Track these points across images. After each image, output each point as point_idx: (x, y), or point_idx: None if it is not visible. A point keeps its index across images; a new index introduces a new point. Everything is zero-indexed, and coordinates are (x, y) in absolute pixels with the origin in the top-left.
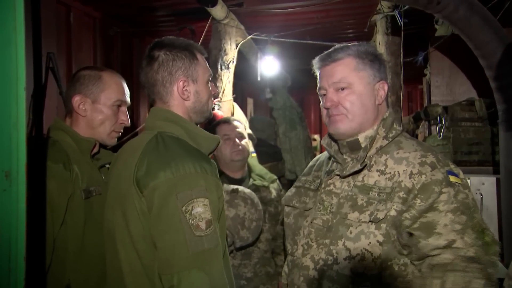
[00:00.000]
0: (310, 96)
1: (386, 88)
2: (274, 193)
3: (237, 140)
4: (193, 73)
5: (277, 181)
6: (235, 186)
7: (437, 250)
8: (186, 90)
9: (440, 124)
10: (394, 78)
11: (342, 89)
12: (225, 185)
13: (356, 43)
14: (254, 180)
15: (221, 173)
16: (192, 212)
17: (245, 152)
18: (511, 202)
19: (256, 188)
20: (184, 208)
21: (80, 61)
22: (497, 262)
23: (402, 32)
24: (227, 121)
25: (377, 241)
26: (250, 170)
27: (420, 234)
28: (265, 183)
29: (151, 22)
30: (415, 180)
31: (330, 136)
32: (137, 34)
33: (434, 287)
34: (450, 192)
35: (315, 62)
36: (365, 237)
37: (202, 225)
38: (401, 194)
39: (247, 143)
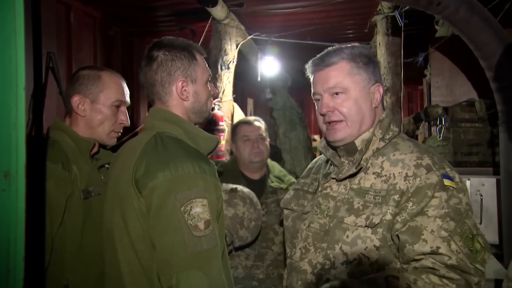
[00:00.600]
0: (310, 96)
1: (381, 90)
2: None
3: (257, 142)
4: (192, 73)
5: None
6: (234, 185)
7: (422, 255)
8: (185, 90)
9: (440, 125)
10: (394, 78)
11: (337, 94)
12: (224, 185)
13: (349, 45)
14: (272, 182)
15: (240, 174)
16: (191, 213)
17: (264, 154)
18: (511, 203)
19: (273, 190)
20: (182, 208)
21: (80, 61)
22: (483, 270)
23: (402, 33)
24: (247, 122)
25: (374, 245)
26: (269, 171)
27: (407, 239)
28: (283, 185)
29: (152, 22)
30: (409, 183)
31: (326, 139)
32: (138, 34)
33: (407, 282)
34: (442, 197)
35: (308, 66)
36: (361, 242)
37: (201, 225)
38: (396, 197)
39: (267, 144)
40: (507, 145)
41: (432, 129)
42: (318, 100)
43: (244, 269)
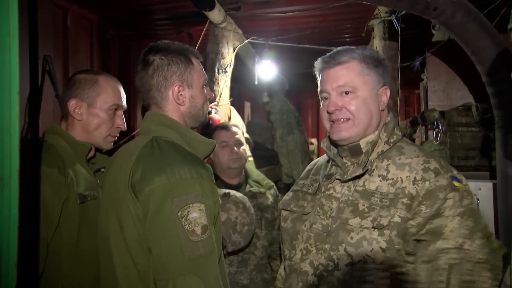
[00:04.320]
0: (308, 100)
1: (388, 93)
2: (270, 199)
3: (235, 148)
4: (188, 77)
5: (274, 187)
6: (227, 190)
7: (445, 252)
8: (181, 95)
9: (437, 129)
10: (391, 82)
11: (346, 93)
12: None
13: (359, 46)
14: (251, 186)
15: (218, 179)
16: (188, 217)
17: (242, 159)
18: (507, 207)
19: (252, 195)
20: (179, 213)
21: (77, 64)
22: (505, 268)
23: (399, 37)
24: (225, 127)
25: (380, 247)
26: (247, 175)
27: (428, 240)
28: (262, 190)
29: (149, 26)
30: (419, 186)
31: (329, 139)
32: (135, 37)
33: (441, 281)
34: (455, 197)
35: (317, 63)
36: (367, 244)
37: (198, 230)
38: (404, 200)
39: (245, 149)
40: (503, 149)
41: (429, 133)
42: (326, 98)
43: (228, 276)
